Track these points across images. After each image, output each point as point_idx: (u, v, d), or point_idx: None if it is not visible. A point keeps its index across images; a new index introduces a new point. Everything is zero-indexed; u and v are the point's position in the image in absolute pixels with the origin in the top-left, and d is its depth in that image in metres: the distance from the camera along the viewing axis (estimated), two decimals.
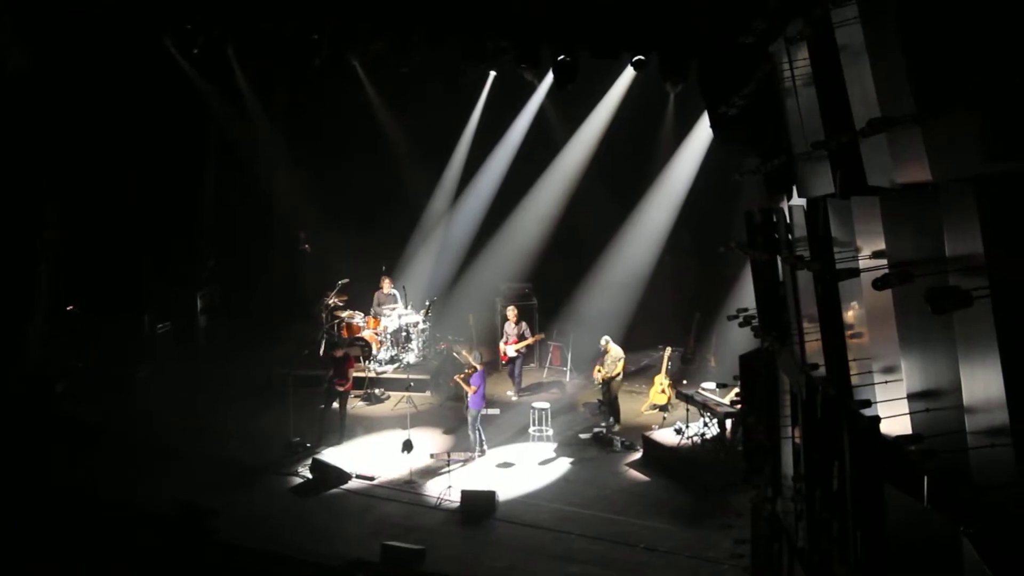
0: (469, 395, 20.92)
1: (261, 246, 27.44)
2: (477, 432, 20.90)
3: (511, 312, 24.79)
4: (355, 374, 22.78)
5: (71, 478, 19.56)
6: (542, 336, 25.49)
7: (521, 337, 24.45)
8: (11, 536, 17.25)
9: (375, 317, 26.35)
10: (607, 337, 22.46)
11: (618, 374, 22.07)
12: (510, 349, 24.41)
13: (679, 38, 15.88)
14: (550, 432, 21.54)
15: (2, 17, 21.21)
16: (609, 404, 22.04)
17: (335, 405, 21.86)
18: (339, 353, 22.35)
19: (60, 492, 19.02)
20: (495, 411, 23.29)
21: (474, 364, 21.14)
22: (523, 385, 25.03)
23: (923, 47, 5.28)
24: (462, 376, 21.37)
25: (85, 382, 23.33)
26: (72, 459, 20.46)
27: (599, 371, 22.25)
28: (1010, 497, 4.69)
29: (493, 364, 25.35)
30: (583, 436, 22.05)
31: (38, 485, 19.10)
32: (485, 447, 20.94)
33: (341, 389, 21.81)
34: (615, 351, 22.16)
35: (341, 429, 21.71)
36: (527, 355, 25.44)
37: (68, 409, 22.26)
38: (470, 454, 20.72)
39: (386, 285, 26.74)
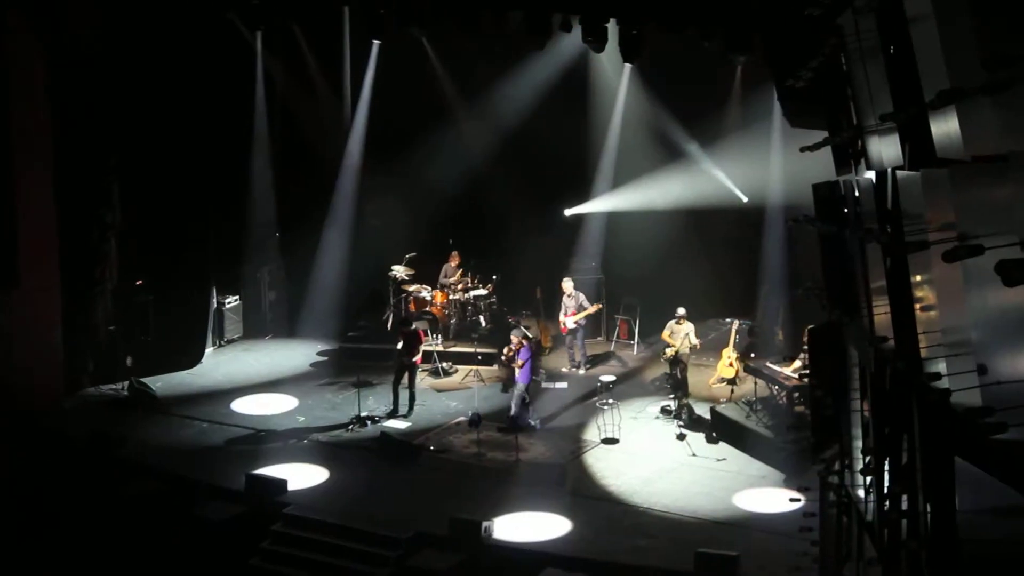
0: (517, 370, 21.02)
1: (326, 220, 27.51)
2: (528, 407, 21.02)
3: (567, 284, 24.70)
4: (423, 348, 22.87)
5: (140, 452, 19.88)
6: (600, 306, 25.41)
7: (580, 308, 24.41)
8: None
9: (442, 291, 26.43)
10: (683, 309, 22.39)
11: (688, 348, 22.01)
12: (569, 321, 24.37)
13: (745, 10, 15.81)
14: (616, 405, 21.50)
15: None
16: (677, 377, 21.97)
17: (403, 379, 21.98)
18: (409, 327, 22.46)
19: (129, 466, 19.35)
20: (562, 385, 23.40)
21: (526, 337, 21.24)
22: (588, 356, 25.02)
23: (993, 16, 5.25)
24: (509, 353, 21.38)
25: (153, 356, 23.63)
26: (143, 434, 20.78)
27: (669, 340, 22.19)
28: None
29: (560, 338, 25.38)
30: (650, 409, 22.06)
31: (106, 459, 19.44)
32: (536, 421, 21.10)
33: (409, 363, 21.94)
34: (686, 324, 22.12)
35: (409, 402, 21.88)
36: (592, 327, 25.42)
37: (138, 384, 22.58)
38: (532, 426, 20.84)
39: (453, 259, 26.79)
